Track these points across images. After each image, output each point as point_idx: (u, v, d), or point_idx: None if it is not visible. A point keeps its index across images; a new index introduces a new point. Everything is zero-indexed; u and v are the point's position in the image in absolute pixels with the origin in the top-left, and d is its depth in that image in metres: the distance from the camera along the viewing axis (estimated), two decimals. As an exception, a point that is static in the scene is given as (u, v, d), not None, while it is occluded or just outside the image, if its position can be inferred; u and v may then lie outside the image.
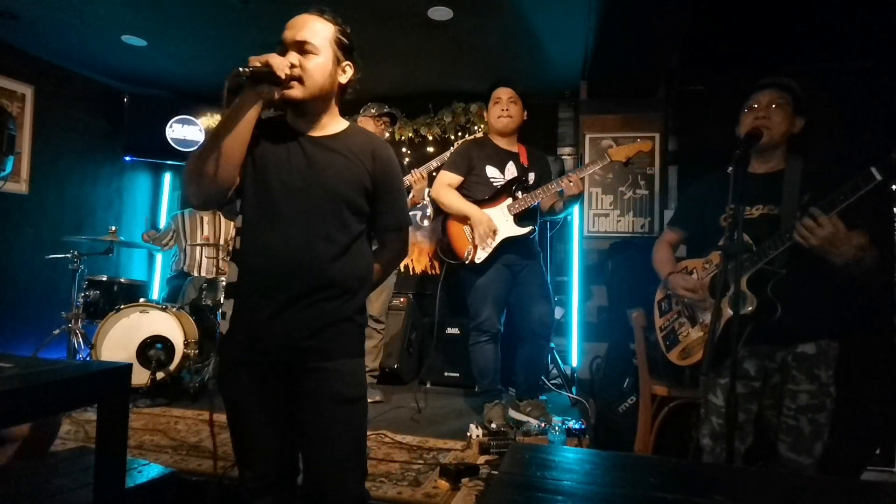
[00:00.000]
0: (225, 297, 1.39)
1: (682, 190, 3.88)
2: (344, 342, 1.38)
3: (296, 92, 1.36)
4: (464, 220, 2.89)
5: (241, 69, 1.29)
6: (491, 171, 2.93)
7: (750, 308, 1.70)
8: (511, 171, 2.93)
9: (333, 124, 1.46)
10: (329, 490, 1.35)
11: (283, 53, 1.36)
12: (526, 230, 2.84)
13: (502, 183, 2.91)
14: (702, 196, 2.01)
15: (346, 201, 1.37)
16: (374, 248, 1.53)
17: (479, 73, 3.99)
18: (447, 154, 3.16)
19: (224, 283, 1.13)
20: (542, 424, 2.74)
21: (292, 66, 1.33)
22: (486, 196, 2.90)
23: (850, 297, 1.78)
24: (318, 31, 1.39)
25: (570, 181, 2.69)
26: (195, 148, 1.26)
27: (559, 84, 4.29)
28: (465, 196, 2.92)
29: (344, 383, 1.35)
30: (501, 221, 2.85)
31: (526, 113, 2.98)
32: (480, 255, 2.86)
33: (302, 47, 1.36)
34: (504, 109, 2.90)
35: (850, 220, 1.57)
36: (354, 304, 1.39)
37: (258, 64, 1.30)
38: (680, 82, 3.85)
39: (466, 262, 2.88)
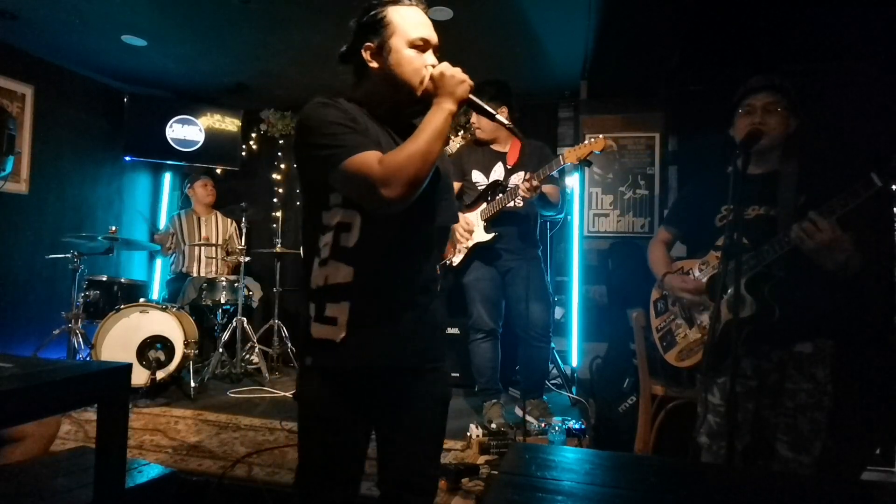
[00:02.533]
0: (332, 301, 1.23)
1: (681, 189, 3.88)
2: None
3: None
4: None
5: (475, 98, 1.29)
6: (476, 176, 2.98)
7: (748, 311, 1.70)
8: (497, 173, 2.95)
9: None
10: (421, 488, 1.35)
11: (415, 50, 1.28)
12: (489, 237, 2.86)
13: (483, 187, 2.94)
14: (697, 196, 2.01)
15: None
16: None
17: (480, 72, 3.96)
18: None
19: (323, 284, 1.02)
20: (543, 424, 2.74)
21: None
22: (470, 201, 2.95)
23: (849, 297, 1.78)
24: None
25: (524, 185, 2.60)
26: (403, 157, 1.16)
27: (559, 84, 4.29)
28: (459, 201, 2.95)
29: (447, 385, 1.41)
30: (477, 227, 2.89)
31: (506, 109, 2.84)
32: (456, 259, 2.96)
33: (433, 50, 1.31)
34: (472, 122, 3.02)
35: (845, 223, 1.57)
36: None
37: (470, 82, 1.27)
38: (680, 82, 3.85)
39: (447, 265, 2.95)
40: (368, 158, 1.17)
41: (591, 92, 4.03)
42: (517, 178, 2.84)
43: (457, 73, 1.25)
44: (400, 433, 1.32)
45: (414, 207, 1.21)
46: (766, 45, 3.29)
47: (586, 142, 2.60)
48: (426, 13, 1.31)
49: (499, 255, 2.92)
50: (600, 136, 2.59)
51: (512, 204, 2.80)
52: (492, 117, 1.31)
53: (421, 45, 1.28)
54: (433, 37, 1.30)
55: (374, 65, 1.28)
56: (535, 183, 2.58)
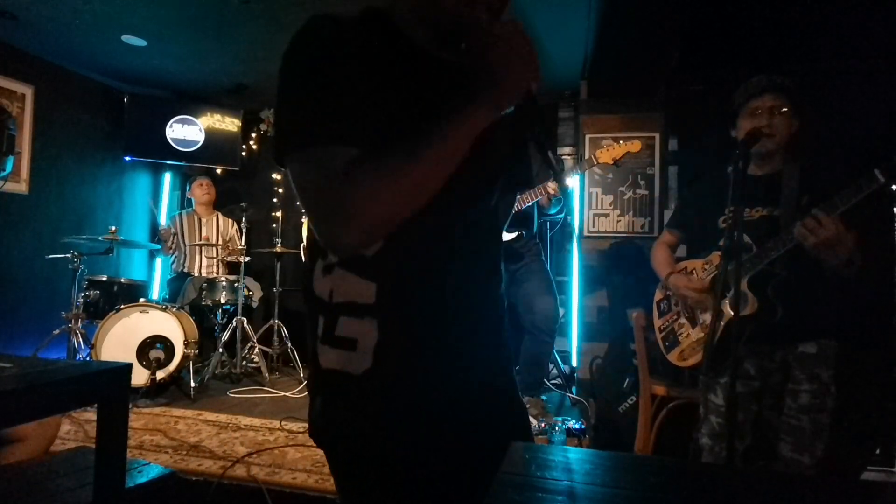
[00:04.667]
0: (345, 316, 0.81)
1: (681, 190, 3.88)
2: None
3: None
4: None
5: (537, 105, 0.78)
6: None
7: (751, 310, 1.70)
8: None
9: None
10: None
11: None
12: (512, 236, 2.87)
13: None
14: (700, 198, 2.01)
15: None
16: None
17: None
18: None
19: (332, 301, 0.80)
20: (542, 424, 2.74)
21: None
22: None
23: (850, 297, 1.78)
24: None
25: (540, 192, 2.72)
26: (399, 183, 0.71)
27: (559, 84, 4.29)
28: None
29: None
30: None
31: None
32: None
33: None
34: None
35: (848, 220, 1.57)
36: None
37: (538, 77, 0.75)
38: (680, 82, 3.85)
39: None
40: (336, 160, 0.71)
41: (591, 92, 4.02)
42: None
43: (529, 48, 0.71)
44: None
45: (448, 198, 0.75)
46: (766, 45, 3.29)
47: (621, 142, 2.75)
48: None
49: (509, 252, 2.93)
50: (635, 140, 2.79)
51: (529, 203, 2.88)
52: (550, 167, 0.89)
53: None
54: None
55: None
56: (551, 186, 2.71)
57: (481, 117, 0.72)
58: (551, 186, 2.72)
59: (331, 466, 0.88)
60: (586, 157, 3.73)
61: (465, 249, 0.86)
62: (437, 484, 0.81)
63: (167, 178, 5.36)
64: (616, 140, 3.89)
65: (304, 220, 4.25)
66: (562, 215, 3.14)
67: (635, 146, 2.71)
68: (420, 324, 0.83)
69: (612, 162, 2.76)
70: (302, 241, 4.20)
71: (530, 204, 2.88)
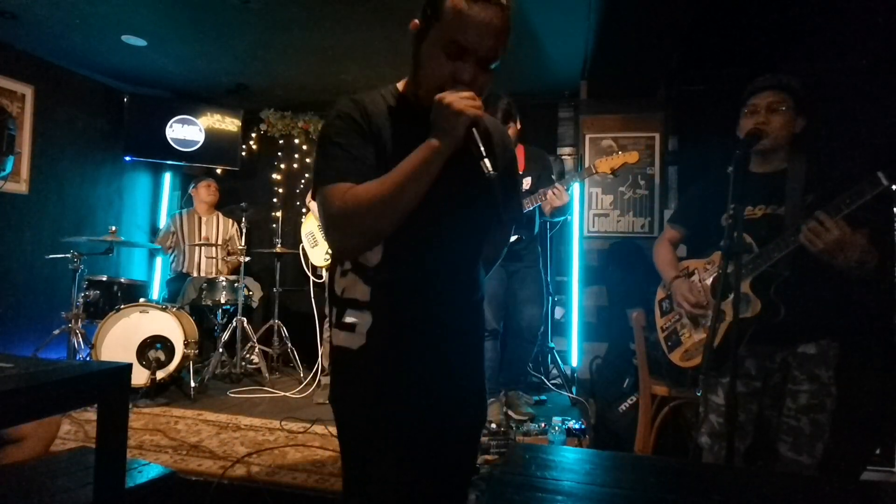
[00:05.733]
0: (350, 308, 1.16)
1: (682, 190, 3.88)
2: None
3: None
4: None
5: (474, 135, 1.03)
6: None
7: (753, 311, 1.70)
8: None
9: None
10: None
11: (446, 55, 1.05)
12: (513, 239, 2.88)
13: None
14: (703, 195, 2.00)
15: (483, 197, 1.15)
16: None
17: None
18: None
19: (342, 296, 1.17)
20: (518, 417, 2.88)
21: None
22: None
23: (850, 298, 1.78)
24: (503, 35, 1.07)
25: (554, 193, 2.77)
26: (361, 200, 1.02)
27: (559, 84, 4.29)
28: None
29: (484, 410, 1.37)
30: None
31: (518, 122, 2.98)
32: None
33: (485, 59, 1.06)
34: None
35: (852, 221, 1.57)
36: None
37: (475, 115, 1.02)
38: (680, 82, 3.85)
39: None
40: (337, 190, 1.04)
41: (591, 92, 4.02)
42: (526, 183, 2.98)
43: (457, 102, 1.00)
44: (424, 458, 1.21)
45: (436, 222, 1.12)
46: (766, 45, 3.29)
47: (619, 153, 2.84)
48: (499, 15, 1.05)
49: (512, 254, 2.96)
50: (632, 150, 2.93)
51: (532, 206, 2.91)
52: (480, 158, 1.03)
53: (453, 51, 1.04)
54: (479, 46, 1.03)
55: (415, 45, 1.10)
56: (563, 191, 2.77)
57: (429, 152, 1.02)
58: (550, 194, 2.77)
59: (336, 422, 1.19)
60: (586, 165, 3.77)
61: (443, 268, 1.16)
62: (398, 434, 1.13)
63: (167, 178, 5.36)
64: (616, 140, 3.91)
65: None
66: (563, 217, 3.15)
67: (633, 157, 2.82)
68: (400, 318, 1.15)
69: (609, 172, 2.85)
70: (301, 242, 4.20)
71: (532, 207, 2.91)
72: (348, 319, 1.15)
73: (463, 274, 1.21)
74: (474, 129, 1.02)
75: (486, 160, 1.00)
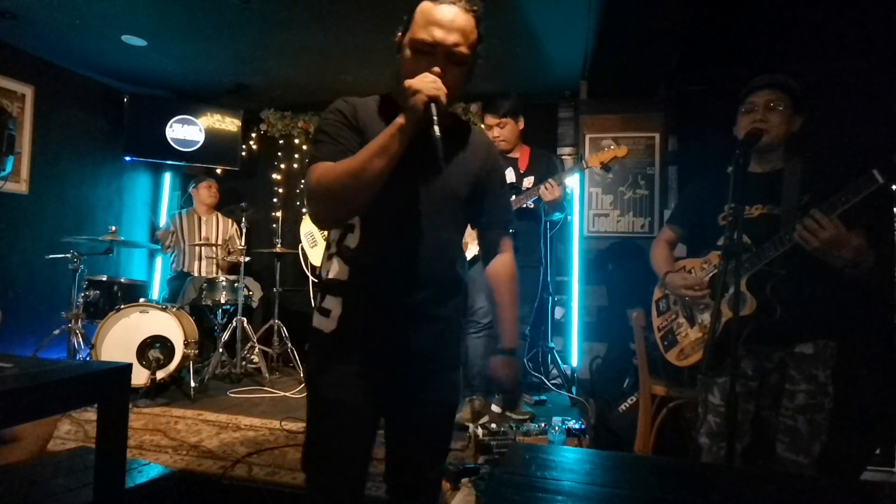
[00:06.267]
0: (330, 294, 1.28)
1: (682, 190, 3.88)
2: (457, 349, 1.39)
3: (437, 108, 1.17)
4: None
5: (432, 109, 1.11)
6: None
7: (749, 310, 1.70)
8: (509, 177, 3.00)
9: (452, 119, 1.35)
10: (418, 490, 1.37)
11: (417, 54, 1.18)
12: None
13: None
14: (700, 194, 2.00)
15: (465, 198, 1.31)
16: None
17: (480, 72, 3.97)
18: None
19: (325, 277, 1.29)
20: (516, 417, 2.86)
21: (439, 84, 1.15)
22: None
23: (848, 297, 1.78)
24: (467, 32, 1.18)
25: (546, 189, 2.77)
26: (334, 172, 1.15)
27: (559, 84, 4.29)
28: None
29: (455, 391, 1.38)
30: None
31: (522, 120, 3.05)
32: (469, 253, 2.93)
33: (451, 55, 1.18)
34: (496, 136, 2.99)
35: (850, 220, 1.57)
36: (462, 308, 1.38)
37: (433, 94, 1.11)
38: (680, 82, 3.85)
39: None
40: (318, 167, 1.18)
41: (591, 92, 4.03)
42: (528, 182, 3.00)
43: (416, 83, 1.11)
44: (404, 434, 1.35)
45: (412, 209, 1.23)
46: (766, 45, 3.29)
47: (611, 146, 2.85)
48: (464, 14, 1.17)
49: None
50: (622, 145, 2.92)
51: (527, 205, 2.92)
52: (431, 125, 1.11)
53: (421, 49, 1.17)
54: (444, 40, 1.16)
55: (398, 54, 1.24)
56: (556, 186, 2.77)
57: (393, 128, 1.13)
58: (543, 189, 2.78)
59: (307, 396, 1.33)
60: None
61: (418, 254, 1.23)
62: (360, 411, 1.26)
63: (167, 178, 5.36)
64: (616, 140, 3.91)
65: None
66: (562, 215, 3.15)
67: (622, 151, 2.85)
68: (374, 302, 1.24)
69: (600, 166, 2.86)
70: (300, 242, 4.21)
71: (531, 203, 2.90)
72: (325, 305, 1.28)
73: (437, 262, 1.26)
74: (433, 105, 1.10)
75: (436, 126, 1.09)
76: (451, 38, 1.16)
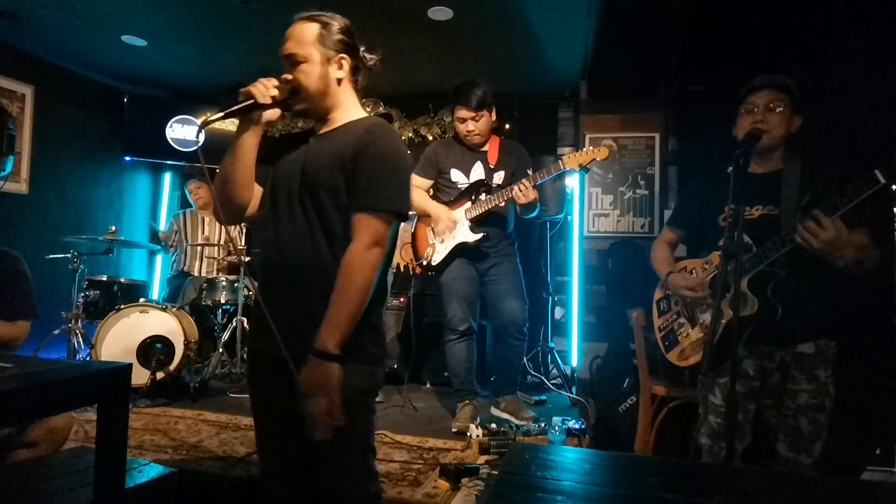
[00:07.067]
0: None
1: (681, 189, 3.88)
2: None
3: (295, 104, 1.40)
4: (428, 219, 2.88)
5: (232, 109, 1.34)
6: (456, 175, 2.89)
7: (750, 310, 1.70)
8: (478, 172, 2.87)
9: (344, 118, 1.46)
10: (334, 492, 1.35)
11: (286, 69, 1.42)
12: (477, 237, 2.77)
13: (466, 186, 2.86)
14: (700, 195, 2.00)
15: (324, 184, 1.32)
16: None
17: (480, 72, 3.97)
18: None
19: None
20: (519, 421, 2.81)
21: (280, 84, 1.36)
22: (450, 199, 2.88)
23: (849, 297, 1.78)
24: (301, 37, 1.42)
25: (521, 190, 2.60)
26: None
27: (559, 84, 4.29)
28: (434, 199, 2.90)
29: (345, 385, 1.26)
30: (460, 225, 2.81)
31: (495, 112, 2.84)
32: (436, 258, 2.86)
33: (292, 60, 1.41)
34: (470, 130, 2.79)
35: (851, 220, 1.57)
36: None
37: (243, 97, 1.34)
38: (680, 82, 3.85)
39: (424, 264, 2.89)
40: None
41: (591, 92, 4.03)
42: (499, 178, 2.86)
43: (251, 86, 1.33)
44: (293, 422, 1.27)
45: (272, 205, 1.40)
46: (766, 45, 3.30)
47: (589, 148, 2.65)
48: (299, 24, 1.45)
49: (480, 254, 2.85)
50: (604, 143, 2.65)
51: (502, 204, 2.75)
52: (229, 115, 1.34)
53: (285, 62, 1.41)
54: (288, 48, 1.41)
55: None
56: (531, 188, 2.60)
57: (241, 130, 1.37)
58: (516, 190, 2.61)
59: None
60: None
61: (283, 247, 1.35)
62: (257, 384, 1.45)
63: (167, 178, 5.36)
64: (616, 140, 3.91)
65: None
66: (561, 216, 3.12)
67: (602, 153, 2.61)
68: (260, 288, 1.41)
69: (577, 167, 2.63)
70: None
71: (504, 204, 2.77)
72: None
73: (298, 249, 1.34)
74: (245, 97, 1.33)
75: (222, 112, 1.32)
76: (286, 45, 1.43)
